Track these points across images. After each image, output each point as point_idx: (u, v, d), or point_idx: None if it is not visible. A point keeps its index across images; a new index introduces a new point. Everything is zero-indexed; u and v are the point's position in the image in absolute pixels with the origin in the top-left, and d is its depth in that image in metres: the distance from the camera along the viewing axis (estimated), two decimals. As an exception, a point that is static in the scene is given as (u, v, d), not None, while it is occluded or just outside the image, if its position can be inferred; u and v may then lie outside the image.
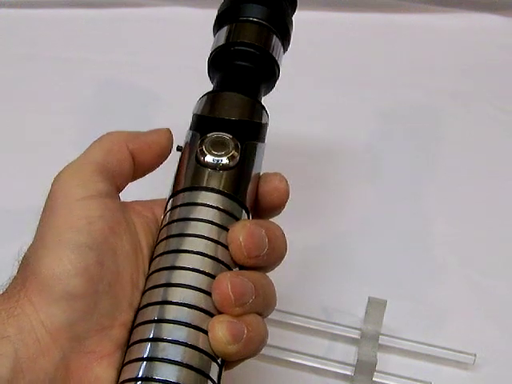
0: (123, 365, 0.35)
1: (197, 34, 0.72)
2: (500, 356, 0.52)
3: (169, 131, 0.40)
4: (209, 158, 0.38)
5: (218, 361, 0.34)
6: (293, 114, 0.65)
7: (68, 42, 0.73)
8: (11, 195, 0.60)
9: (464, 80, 0.71)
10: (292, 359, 0.50)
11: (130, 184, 0.40)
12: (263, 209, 0.40)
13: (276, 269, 0.38)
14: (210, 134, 0.39)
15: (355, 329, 0.52)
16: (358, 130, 0.66)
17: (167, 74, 0.69)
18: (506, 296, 0.55)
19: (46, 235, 0.35)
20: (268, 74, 0.44)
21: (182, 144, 0.40)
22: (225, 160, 0.38)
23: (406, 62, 0.73)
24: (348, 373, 0.49)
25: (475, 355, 0.50)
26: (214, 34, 0.45)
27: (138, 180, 0.40)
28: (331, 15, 0.75)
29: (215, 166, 0.38)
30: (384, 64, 0.72)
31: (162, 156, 0.40)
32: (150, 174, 0.41)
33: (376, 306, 0.51)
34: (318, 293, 0.54)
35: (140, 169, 0.40)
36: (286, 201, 0.40)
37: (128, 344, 0.35)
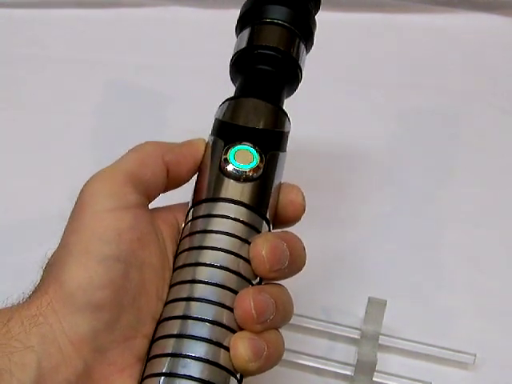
0: (143, 378, 0.34)
1: (197, 33, 0.73)
2: (500, 356, 0.52)
3: (204, 142, 0.39)
4: (233, 169, 0.37)
5: (237, 376, 0.34)
6: (292, 116, 0.65)
7: (68, 42, 0.73)
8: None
9: (464, 80, 0.71)
10: (292, 359, 0.50)
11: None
12: (277, 220, 0.39)
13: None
14: (236, 144, 0.38)
15: (355, 329, 0.51)
16: (357, 130, 0.66)
17: (168, 74, 0.69)
18: (506, 296, 0.55)
19: (73, 244, 0.34)
20: (291, 79, 0.43)
21: None
22: (249, 171, 0.37)
23: (405, 62, 0.72)
24: (348, 373, 0.49)
25: (475, 355, 0.50)
26: (237, 34, 0.44)
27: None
28: (331, 15, 0.75)
29: (239, 177, 0.37)
30: (383, 64, 0.72)
31: (197, 169, 0.39)
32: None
33: (376, 306, 0.51)
34: (318, 293, 0.54)
35: (173, 181, 0.39)
36: (301, 215, 0.39)
37: (148, 356, 0.35)
